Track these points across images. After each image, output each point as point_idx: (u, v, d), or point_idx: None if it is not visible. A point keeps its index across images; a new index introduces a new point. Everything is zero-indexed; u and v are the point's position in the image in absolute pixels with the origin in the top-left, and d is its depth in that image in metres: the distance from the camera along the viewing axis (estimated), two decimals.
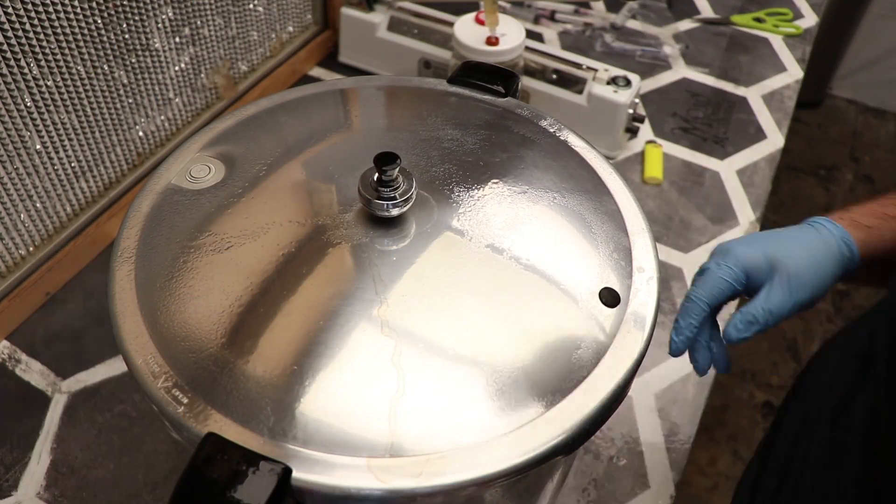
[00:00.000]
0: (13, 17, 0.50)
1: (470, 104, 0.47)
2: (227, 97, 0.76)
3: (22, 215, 0.58)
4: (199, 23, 0.68)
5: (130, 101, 0.64)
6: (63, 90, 0.57)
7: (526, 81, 0.78)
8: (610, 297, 0.36)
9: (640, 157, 0.80)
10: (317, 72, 0.89)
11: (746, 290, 0.46)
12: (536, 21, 0.98)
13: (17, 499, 0.50)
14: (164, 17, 0.64)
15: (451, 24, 0.78)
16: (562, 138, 0.44)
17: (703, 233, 0.73)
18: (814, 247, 0.46)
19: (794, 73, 0.95)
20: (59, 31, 0.54)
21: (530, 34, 0.80)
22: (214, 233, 0.37)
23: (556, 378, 0.32)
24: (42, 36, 0.53)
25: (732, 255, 0.46)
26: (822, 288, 0.45)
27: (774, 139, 0.85)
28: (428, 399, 0.31)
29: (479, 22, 0.73)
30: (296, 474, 0.28)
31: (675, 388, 0.60)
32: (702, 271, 0.47)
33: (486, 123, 0.45)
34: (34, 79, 0.54)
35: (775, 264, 0.45)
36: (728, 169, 0.80)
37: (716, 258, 0.47)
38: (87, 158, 0.62)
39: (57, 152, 0.58)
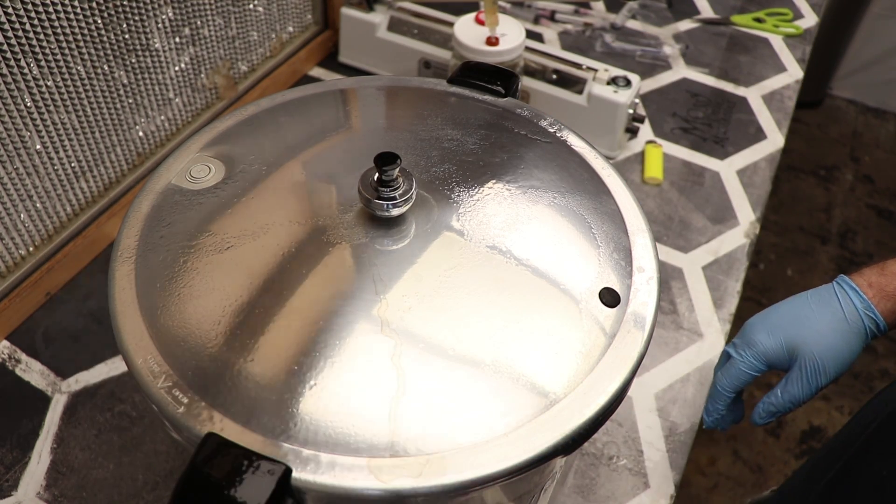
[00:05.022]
0: (13, 17, 0.50)
1: (470, 104, 0.47)
2: (227, 97, 0.76)
3: (22, 215, 0.58)
4: (199, 23, 0.68)
5: (130, 101, 0.64)
6: (63, 90, 0.57)
7: (526, 81, 0.78)
8: (610, 297, 0.36)
9: (640, 157, 0.80)
10: (317, 72, 0.89)
11: (770, 368, 0.49)
12: (536, 21, 0.98)
13: (17, 499, 0.50)
14: (164, 17, 0.64)
15: (451, 24, 0.78)
16: (562, 138, 0.44)
17: (703, 233, 0.73)
18: (835, 330, 0.47)
19: (794, 73, 0.95)
20: (59, 31, 0.54)
21: (530, 34, 0.80)
22: (214, 233, 0.37)
23: (555, 378, 0.32)
24: (42, 36, 0.53)
25: (754, 346, 0.49)
26: (842, 369, 0.47)
27: (774, 139, 0.85)
28: (428, 399, 0.31)
29: (479, 22, 0.73)
30: (296, 474, 0.28)
31: (675, 388, 0.60)
32: (727, 357, 0.51)
33: (486, 123, 0.45)
34: (34, 79, 0.54)
35: (795, 353, 0.48)
36: (728, 169, 0.80)
37: (739, 349, 0.50)
38: (87, 158, 0.62)
39: (57, 152, 0.58)
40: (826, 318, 0.48)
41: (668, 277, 0.68)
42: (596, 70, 0.77)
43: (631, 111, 0.77)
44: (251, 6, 0.75)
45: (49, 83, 0.55)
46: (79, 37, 0.56)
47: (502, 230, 0.38)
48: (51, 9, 0.53)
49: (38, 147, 0.56)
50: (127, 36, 0.61)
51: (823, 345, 0.47)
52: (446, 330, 0.33)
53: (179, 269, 0.35)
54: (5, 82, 0.52)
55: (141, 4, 0.61)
